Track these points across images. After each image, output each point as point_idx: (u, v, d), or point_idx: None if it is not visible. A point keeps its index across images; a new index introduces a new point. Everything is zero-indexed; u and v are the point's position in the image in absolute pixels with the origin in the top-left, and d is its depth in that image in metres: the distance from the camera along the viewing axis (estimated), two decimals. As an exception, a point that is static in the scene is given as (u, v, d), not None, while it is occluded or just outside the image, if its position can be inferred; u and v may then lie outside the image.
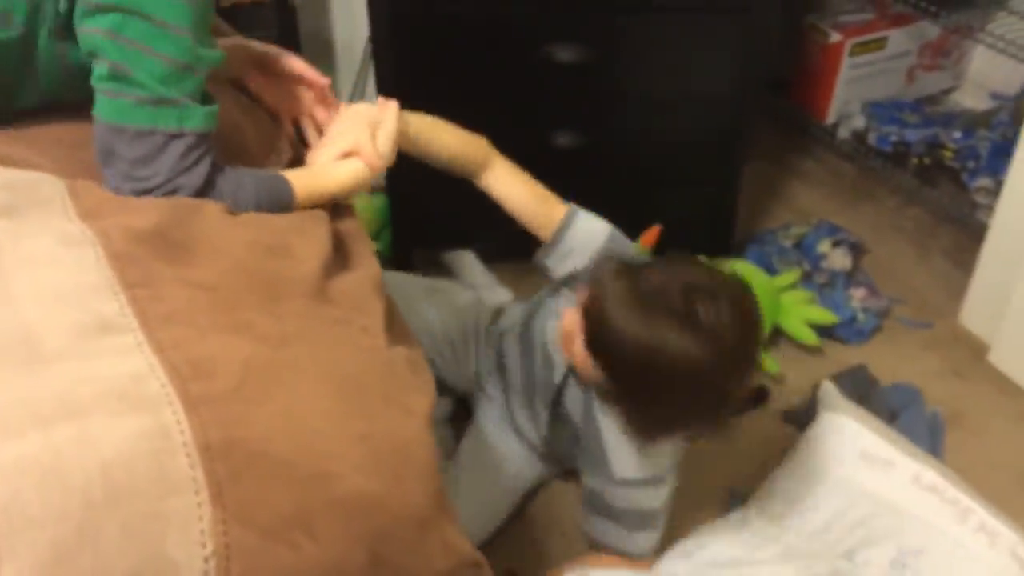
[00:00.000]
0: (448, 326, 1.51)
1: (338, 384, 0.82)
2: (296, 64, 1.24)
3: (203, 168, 0.97)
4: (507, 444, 1.44)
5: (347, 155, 1.13)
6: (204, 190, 0.98)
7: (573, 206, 1.27)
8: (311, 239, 0.99)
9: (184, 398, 0.72)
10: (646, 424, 1.12)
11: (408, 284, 1.56)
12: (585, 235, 1.25)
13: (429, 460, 0.85)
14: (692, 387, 1.05)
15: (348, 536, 0.75)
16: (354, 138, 1.13)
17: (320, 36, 1.94)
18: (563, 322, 1.17)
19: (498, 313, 1.52)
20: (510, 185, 1.25)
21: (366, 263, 1.04)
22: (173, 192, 0.96)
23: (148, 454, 0.67)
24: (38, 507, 0.62)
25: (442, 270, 1.81)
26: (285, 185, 1.05)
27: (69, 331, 0.74)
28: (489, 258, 1.75)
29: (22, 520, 0.61)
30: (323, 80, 1.24)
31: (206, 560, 0.67)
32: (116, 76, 0.93)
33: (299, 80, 1.24)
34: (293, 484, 0.73)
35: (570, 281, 1.27)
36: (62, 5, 0.97)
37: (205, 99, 0.99)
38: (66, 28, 0.98)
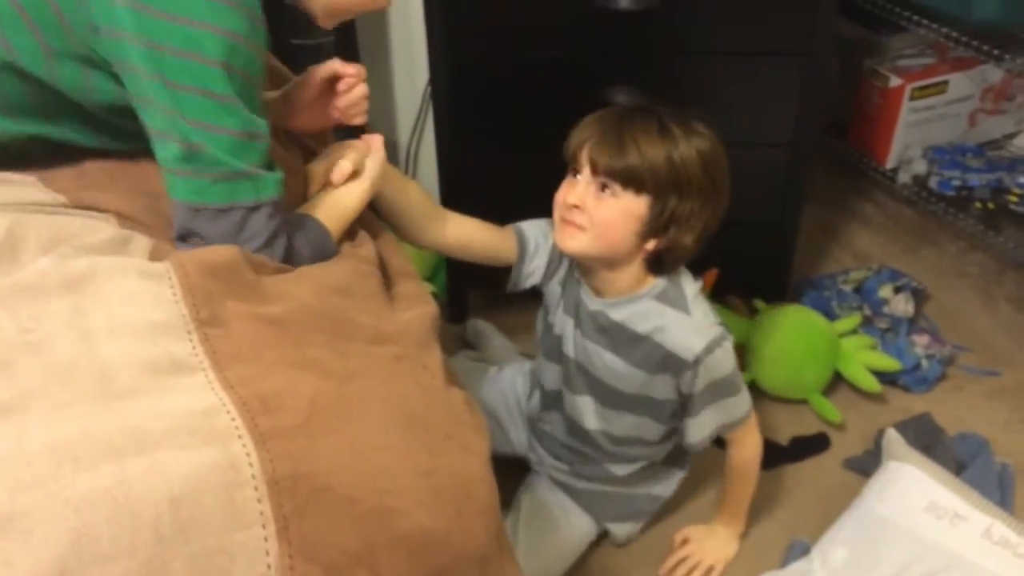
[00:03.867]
0: (494, 402, 1.56)
1: (402, 420, 0.82)
2: (325, 68, 1.20)
3: (282, 241, 0.99)
4: (563, 501, 1.45)
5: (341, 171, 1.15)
6: (287, 260, 0.99)
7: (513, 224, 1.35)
8: (370, 282, 1.00)
9: (253, 432, 0.72)
10: (672, 248, 1.21)
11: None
12: (537, 229, 1.34)
13: (490, 498, 0.85)
14: (704, 182, 1.18)
15: (410, 573, 0.74)
16: (350, 152, 1.16)
17: (381, 79, 1.98)
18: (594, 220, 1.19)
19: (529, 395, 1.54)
20: (464, 225, 1.32)
21: (423, 302, 1.06)
22: None
23: (217, 487, 0.67)
24: (108, 541, 0.62)
25: (466, 343, 1.85)
26: (327, 234, 1.07)
27: (142, 368, 0.75)
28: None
29: (92, 555, 0.61)
30: (355, 68, 1.21)
31: (271, 596, 0.66)
32: (189, 156, 0.93)
33: (334, 81, 1.21)
34: (357, 520, 0.73)
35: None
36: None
37: (270, 166, 0.99)
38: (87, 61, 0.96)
